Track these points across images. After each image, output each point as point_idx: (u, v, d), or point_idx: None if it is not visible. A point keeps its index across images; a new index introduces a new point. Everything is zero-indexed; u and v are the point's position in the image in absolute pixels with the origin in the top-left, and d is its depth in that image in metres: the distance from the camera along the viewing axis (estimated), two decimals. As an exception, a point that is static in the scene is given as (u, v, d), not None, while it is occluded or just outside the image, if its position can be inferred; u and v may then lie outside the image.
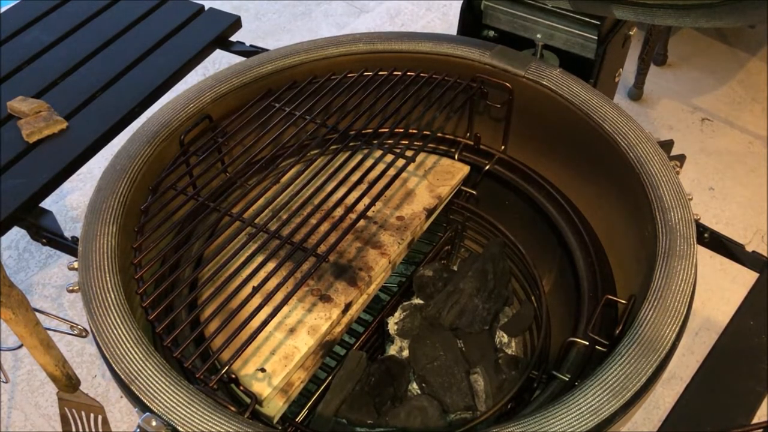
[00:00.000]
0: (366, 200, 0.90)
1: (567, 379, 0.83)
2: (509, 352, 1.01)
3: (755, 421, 0.71)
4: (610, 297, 0.89)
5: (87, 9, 1.34)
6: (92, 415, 1.05)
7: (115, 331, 0.74)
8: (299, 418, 0.90)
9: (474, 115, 1.11)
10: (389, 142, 1.05)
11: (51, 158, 1.06)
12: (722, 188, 1.82)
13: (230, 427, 0.66)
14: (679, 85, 2.11)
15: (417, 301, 1.04)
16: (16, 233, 1.72)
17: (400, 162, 0.94)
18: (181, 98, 1.01)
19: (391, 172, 0.93)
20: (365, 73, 1.07)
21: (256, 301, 0.78)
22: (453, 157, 1.11)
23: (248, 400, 0.77)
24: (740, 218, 1.75)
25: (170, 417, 0.67)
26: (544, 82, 1.01)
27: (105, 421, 1.06)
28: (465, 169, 1.08)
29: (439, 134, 1.14)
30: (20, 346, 0.97)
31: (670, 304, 0.76)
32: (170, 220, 0.89)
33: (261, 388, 0.79)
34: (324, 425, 0.87)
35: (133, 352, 0.73)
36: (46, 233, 1.00)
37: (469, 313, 0.96)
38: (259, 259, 0.84)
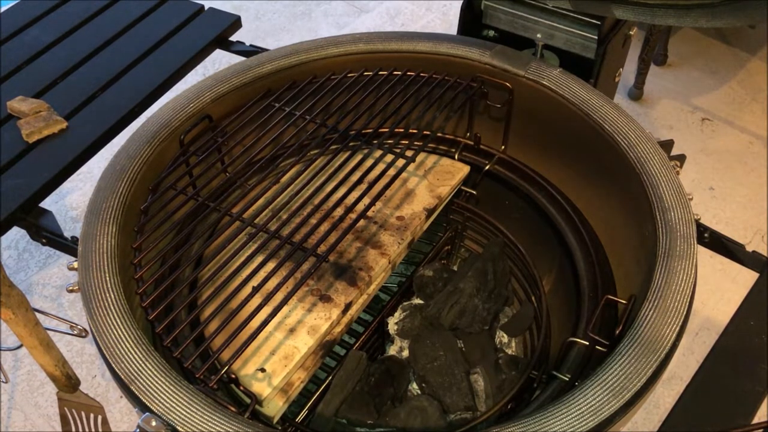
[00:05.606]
0: (366, 200, 0.90)
1: (567, 379, 0.83)
2: (509, 352, 1.01)
3: (755, 421, 0.71)
4: (610, 297, 0.89)
5: (87, 9, 1.34)
6: (92, 415, 1.05)
7: (114, 331, 0.74)
8: (299, 418, 0.90)
9: (474, 115, 1.11)
10: (389, 142, 1.05)
11: (51, 158, 1.06)
12: (722, 188, 1.82)
13: (230, 427, 0.66)
14: (679, 85, 2.11)
15: (417, 301, 1.04)
16: (16, 233, 1.72)
17: (400, 162, 0.94)
18: (181, 98, 1.01)
19: (391, 172, 0.93)
20: (365, 73, 1.07)
21: (256, 301, 0.78)
22: (453, 157, 1.11)
23: (248, 400, 0.77)
24: (740, 218, 1.75)
25: (170, 417, 0.67)
26: (545, 82, 1.01)
27: (105, 421, 1.06)
28: (465, 169, 1.08)
29: (439, 134, 1.14)
30: (20, 346, 0.97)
31: (670, 304, 0.76)
32: (170, 220, 0.89)
33: (261, 388, 0.79)
34: (324, 425, 0.87)
35: (133, 352, 0.73)
36: (46, 233, 1.00)
37: (469, 313, 0.96)
38: (259, 259, 0.84)
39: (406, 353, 1.00)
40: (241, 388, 0.78)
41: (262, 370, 0.81)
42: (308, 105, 1.02)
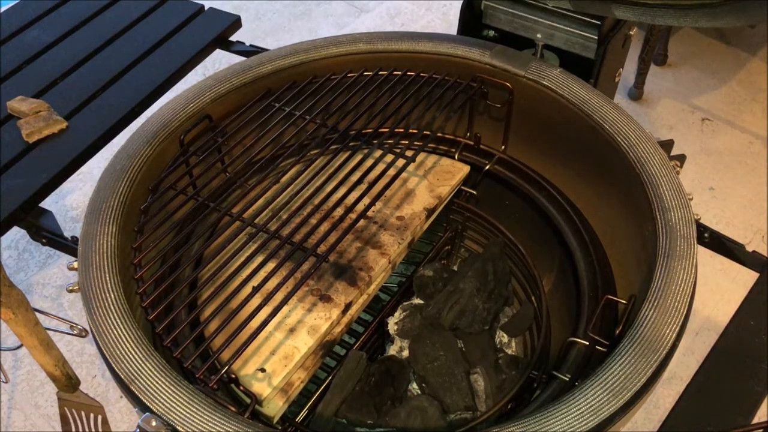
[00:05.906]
0: (366, 200, 0.90)
1: (567, 379, 0.83)
2: (509, 352, 1.01)
3: (755, 421, 0.71)
4: (610, 297, 0.89)
5: (87, 9, 1.34)
6: (92, 415, 1.05)
7: (114, 331, 0.74)
8: (299, 418, 0.90)
9: (474, 115, 1.11)
10: (389, 142, 1.05)
11: (51, 158, 1.05)
12: (722, 188, 1.82)
13: (230, 427, 0.66)
14: (679, 85, 2.11)
15: (417, 301, 1.04)
16: (16, 233, 1.72)
17: (400, 162, 0.94)
18: (181, 98, 1.01)
19: (391, 172, 0.93)
20: (365, 73, 1.07)
21: (256, 301, 0.78)
22: (453, 157, 1.11)
23: (248, 400, 0.77)
24: (740, 218, 1.75)
25: (170, 417, 0.67)
26: (545, 82, 1.01)
27: (105, 421, 1.06)
28: (465, 169, 1.08)
29: (439, 134, 1.14)
30: (20, 346, 0.97)
31: (670, 304, 0.76)
32: (170, 220, 0.89)
33: (261, 388, 0.79)
34: (324, 425, 0.87)
35: (133, 352, 0.73)
36: (46, 233, 1.00)
37: (469, 313, 0.96)
38: (259, 259, 0.84)
39: (406, 353, 1.00)
40: (241, 388, 0.78)
41: (262, 370, 0.81)
42: (308, 105, 1.02)
